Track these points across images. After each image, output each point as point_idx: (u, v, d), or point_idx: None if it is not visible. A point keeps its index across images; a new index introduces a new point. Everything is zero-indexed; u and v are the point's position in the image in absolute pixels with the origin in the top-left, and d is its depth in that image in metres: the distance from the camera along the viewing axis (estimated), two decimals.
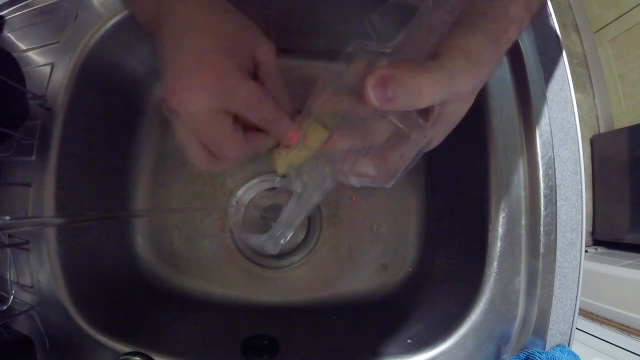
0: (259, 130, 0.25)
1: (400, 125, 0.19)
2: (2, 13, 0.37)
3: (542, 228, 0.32)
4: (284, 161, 0.27)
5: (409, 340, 0.34)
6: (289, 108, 0.24)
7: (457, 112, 0.22)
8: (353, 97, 0.22)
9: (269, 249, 0.26)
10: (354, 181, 0.23)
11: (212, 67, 0.21)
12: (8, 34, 0.37)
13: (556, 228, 0.31)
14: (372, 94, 0.17)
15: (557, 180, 0.32)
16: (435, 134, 0.22)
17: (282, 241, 0.26)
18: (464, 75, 0.18)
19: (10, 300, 0.33)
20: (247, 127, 0.24)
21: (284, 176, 0.28)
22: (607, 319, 0.99)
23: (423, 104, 0.17)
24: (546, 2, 0.26)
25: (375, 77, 0.17)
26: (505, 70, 0.34)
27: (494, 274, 0.32)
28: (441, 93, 0.18)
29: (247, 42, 0.24)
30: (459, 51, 0.19)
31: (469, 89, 0.19)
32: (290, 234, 0.26)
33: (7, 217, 0.17)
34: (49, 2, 0.37)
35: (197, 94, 0.21)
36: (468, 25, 0.20)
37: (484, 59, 0.19)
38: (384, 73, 0.17)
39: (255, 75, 0.24)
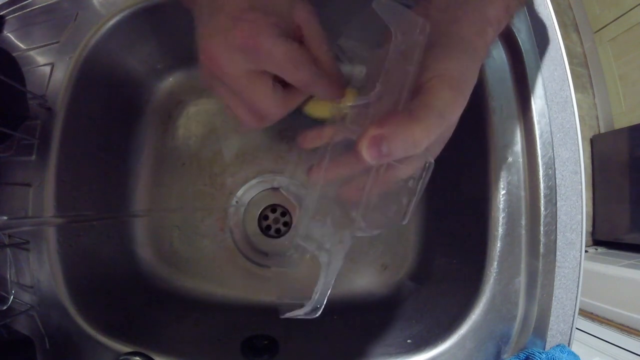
0: None
1: (397, 164, 0.20)
2: (2, 13, 0.37)
3: (542, 228, 0.32)
4: (314, 108, 0.26)
5: (409, 340, 0.34)
6: (334, 70, 0.23)
7: (449, 131, 0.22)
8: (351, 155, 0.22)
9: (309, 315, 0.25)
10: (374, 231, 0.23)
11: (246, 27, 0.20)
12: (8, 34, 0.37)
13: (556, 228, 0.31)
14: (367, 155, 0.17)
15: (557, 180, 0.32)
16: (432, 152, 0.22)
17: (320, 306, 0.25)
18: (453, 107, 0.18)
19: (10, 300, 0.33)
20: (286, 83, 0.23)
21: (319, 120, 0.27)
22: (607, 319, 0.99)
23: (420, 150, 0.17)
24: (526, 2, 0.26)
25: (367, 139, 0.17)
26: (505, 70, 0.34)
27: (494, 274, 0.32)
28: (435, 133, 0.18)
29: (284, 1, 0.23)
30: (441, 81, 0.18)
31: (458, 116, 0.19)
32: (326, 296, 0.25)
33: (5, 217, 0.17)
34: (49, 2, 0.37)
35: (234, 55, 0.20)
36: (443, 42, 0.20)
37: (468, 79, 0.19)
38: (375, 134, 0.17)
39: (299, 38, 0.23)
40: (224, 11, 0.20)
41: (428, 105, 0.18)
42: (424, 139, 0.17)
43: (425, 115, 0.17)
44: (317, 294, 0.24)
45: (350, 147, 0.22)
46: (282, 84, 0.23)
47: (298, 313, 0.25)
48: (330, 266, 0.24)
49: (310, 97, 0.25)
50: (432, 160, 0.21)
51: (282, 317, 0.25)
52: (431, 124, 0.17)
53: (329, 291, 0.24)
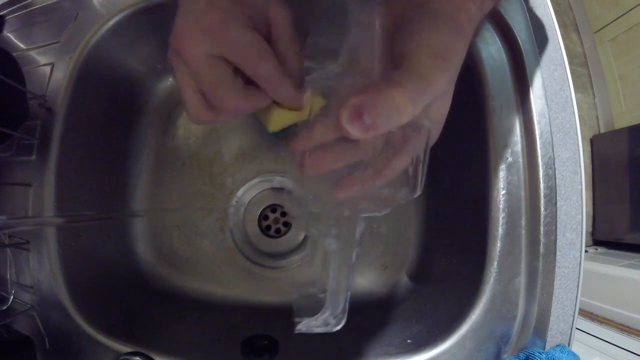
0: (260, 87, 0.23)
1: (397, 131, 0.18)
2: (2, 13, 0.37)
3: (542, 228, 0.31)
4: (275, 118, 0.25)
5: (409, 340, 0.34)
6: (297, 76, 0.23)
7: (442, 108, 0.21)
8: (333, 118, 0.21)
9: (332, 324, 0.22)
10: (384, 210, 0.22)
11: (218, 12, 0.20)
12: (8, 34, 0.37)
13: (556, 228, 0.31)
14: (350, 128, 0.16)
15: (557, 180, 0.32)
16: (431, 133, 0.21)
17: (341, 310, 0.22)
18: (437, 73, 0.17)
19: (10, 300, 0.33)
20: (249, 82, 0.23)
21: (275, 133, 0.26)
22: (607, 319, 0.99)
23: (407, 118, 0.17)
24: None
25: (347, 110, 0.16)
26: (505, 70, 0.34)
27: (494, 274, 0.32)
28: (421, 101, 0.17)
29: None
30: (424, 50, 0.18)
31: (444, 85, 0.18)
32: (348, 296, 0.22)
33: (5, 217, 0.17)
34: (49, 2, 0.37)
35: (199, 36, 0.20)
36: (425, 16, 0.19)
37: (448, 50, 0.18)
38: (355, 102, 0.16)
39: (268, 36, 0.23)
40: None
41: (407, 70, 0.17)
42: (407, 104, 0.16)
43: (405, 79, 0.17)
44: (332, 296, 0.21)
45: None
46: (245, 81, 0.22)
47: (315, 324, 0.22)
48: (339, 254, 0.22)
49: (268, 106, 0.24)
50: (427, 122, 0.19)
51: (298, 330, 0.22)
52: (412, 88, 0.16)
53: (349, 292, 0.21)
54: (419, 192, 0.20)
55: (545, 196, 0.32)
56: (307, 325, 0.22)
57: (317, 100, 0.24)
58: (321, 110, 0.23)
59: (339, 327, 0.22)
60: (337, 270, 0.22)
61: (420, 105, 0.17)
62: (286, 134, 0.26)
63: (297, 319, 0.23)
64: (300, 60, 0.23)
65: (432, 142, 0.22)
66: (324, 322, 0.22)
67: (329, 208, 0.23)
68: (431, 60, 0.17)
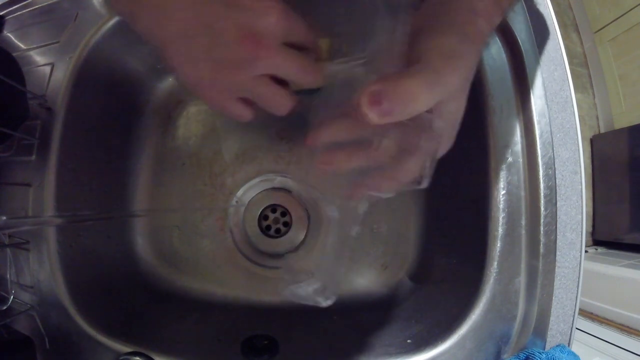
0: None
1: (410, 123, 0.19)
2: (2, 13, 0.37)
3: (542, 228, 0.32)
4: None
5: (409, 340, 0.34)
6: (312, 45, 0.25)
7: (457, 110, 0.22)
8: (350, 119, 0.22)
9: (323, 297, 0.22)
10: (386, 194, 0.23)
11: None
12: (8, 34, 0.37)
13: (556, 228, 0.31)
14: (369, 111, 0.17)
15: (557, 180, 0.32)
16: (444, 137, 0.23)
17: (336, 279, 0.22)
18: (448, 70, 0.19)
19: (10, 300, 0.33)
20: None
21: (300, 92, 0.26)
22: (607, 319, 0.99)
23: (421, 107, 0.18)
24: None
25: (367, 95, 0.17)
26: (505, 70, 0.34)
27: (494, 274, 0.32)
28: (434, 93, 0.18)
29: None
30: (434, 52, 0.19)
31: (456, 84, 0.20)
32: (342, 270, 0.22)
33: (5, 217, 0.17)
34: (49, 2, 0.37)
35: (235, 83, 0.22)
36: (436, 27, 0.21)
37: (459, 53, 0.20)
38: (375, 88, 0.17)
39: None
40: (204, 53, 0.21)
41: (422, 65, 0.19)
42: (423, 93, 0.17)
43: (422, 72, 0.18)
44: (326, 260, 0.21)
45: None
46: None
47: (303, 293, 0.21)
48: (341, 226, 0.22)
49: None
50: (441, 124, 0.21)
51: (284, 293, 0.22)
52: (428, 81, 0.18)
53: (342, 265, 0.21)
54: (426, 184, 0.21)
55: (545, 196, 0.32)
56: (292, 291, 0.22)
57: (324, 41, 0.26)
58: (337, 111, 0.23)
59: (329, 302, 0.21)
60: (335, 239, 0.22)
61: (434, 96, 0.18)
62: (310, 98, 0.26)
63: (288, 293, 0.23)
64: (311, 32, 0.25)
65: (448, 147, 0.23)
66: (314, 292, 0.21)
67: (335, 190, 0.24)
68: (443, 59, 0.19)
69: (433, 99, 0.18)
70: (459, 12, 0.21)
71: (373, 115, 0.17)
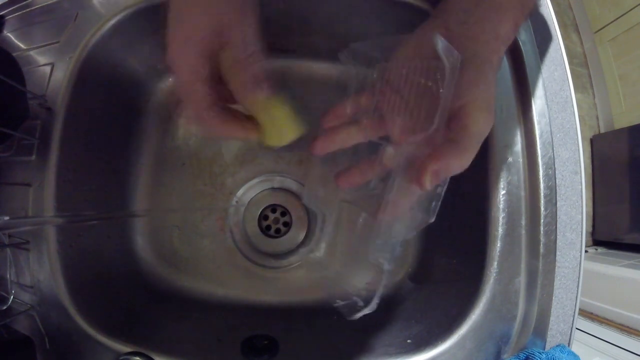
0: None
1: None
2: (2, 13, 0.37)
3: (542, 228, 0.32)
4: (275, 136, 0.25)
5: (409, 340, 0.34)
6: (255, 75, 0.23)
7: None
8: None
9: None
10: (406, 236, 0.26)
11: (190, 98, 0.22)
12: (8, 34, 0.37)
13: (556, 228, 0.31)
14: (430, 185, 0.21)
15: (557, 180, 0.32)
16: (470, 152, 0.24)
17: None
18: (488, 128, 0.22)
19: (10, 300, 0.33)
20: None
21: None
22: (607, 319, 0.99)
23: (464, 168, 0.22)
24: (531, 15, 0.27)
25: (429, 174, 0.21)
26: (505, 70, 0.34)
27: (494, 274, 0.32)
28: (475, 154, 0.22)
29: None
30: (475, 106, 0.21)
31: (488, 130, 0.22)
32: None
33: (6, 217, 0.17)
34: (49, 2, 0.37)
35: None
36: (468, 64, 0.21)
37: (490, 95, 0.22)
38: (435, 168, 0.21)
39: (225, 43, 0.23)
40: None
41: (468, 133, 0.21)
42: (469, 162, 0.22)
43: (469, 143, 0.21)
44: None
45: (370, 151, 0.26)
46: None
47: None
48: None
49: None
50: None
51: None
52: (473, 149, 0.22)
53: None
54: (432, 219, 0.26)
55: (545, 196, 0.32)
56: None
57: (272, 101, 0.23)
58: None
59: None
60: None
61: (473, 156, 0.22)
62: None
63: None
64: (255, 61, 0.23)
65: (465, 166, 0.24)
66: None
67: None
68: (485, 117, 0.22)
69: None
70: (485, 38, 0.22)
71: (430, 186, 0.21)
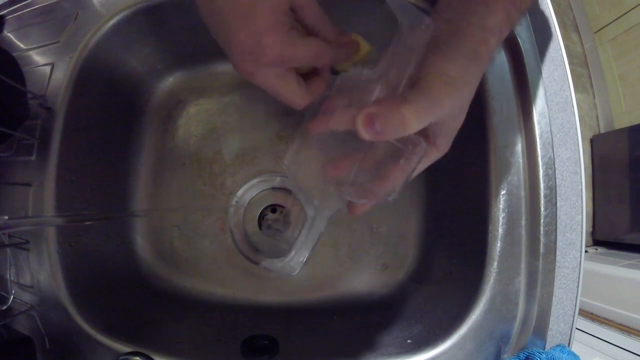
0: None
1: (397, 144, 0.21)
2: (2, 13, 0.37)
3: (542, 228, 0.32)
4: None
5: (409, 340, 0.34)
6: (339, 36, 0.26)
7: (453, 124, 0.23)
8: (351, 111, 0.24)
9: (287, 270, 0.28)
10: (361, 200, 0.25)
11: (269, 43, 0.21)
12: (8, 34, 0.37)
13: (556, 228, 0.31)
14: (362, 131, 0.19)
15: (557, 180, 0.32)
16: (440, 145, 0.24)
17: (301, 261, 0.29)
18: (446, 99, 0.20)
19: (10, 300, 0.33)
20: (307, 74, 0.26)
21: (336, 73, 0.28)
22: (607, 319, 0.99)
23: (410, 130, 0.19)
24: (527, 10, 0.27)
25: (362, 116, 0.19)
26: (505, 70, 0.34)
27: (494, 274, 0.32)
28: (425, 119, 0.19)
29: None
30: (436, 77, 0.20)
31: (454, 109, 0.21)
32: (307, 255, 0.28)
33: (6, 217, 0.17)
34: (49, 2, 0.37)
35: (265, 70, 0.23)
36: (446, 47, 0.21)
37: (464, 79, 0.21)
38: (369, 111, 0.19)
39: (300, 18, 0.25)
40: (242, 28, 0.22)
41: (419, 92, 0.19)
42: (412, 120, 0.19)
43: (415, 99, 0.19)
44: (296, 250, 0.28)
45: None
46: (303, 76, 0.26)
47: (276, 265, 0.28)
48: (314, 222, 0.27)
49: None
50: (424, 144, 0.22)
51: (261, 266, 0.30)
52: (420, 108, 0.19)
53: (309, 252, 0.27)
54: (392, 198, 0.23)
55: (545, 196, 0.32)
56: (269, 263, 0.30)
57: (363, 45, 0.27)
58: (340, 101, 0.25)
59: (294, 273, 0.29)
60: (308, 230, 0.28)
61: (425, 122, 0.19)
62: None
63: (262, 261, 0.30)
64: (334, 27, 0.26)
65: (443, 152, 0.25)
66: (286, 265, 0.28)
67: (317, 184, 0.27)
68: (444, 88, 0.20)
69: (424, 124, 0.19)
70: (471, 30, 0.21)
71: (365, 134, 0.19)
